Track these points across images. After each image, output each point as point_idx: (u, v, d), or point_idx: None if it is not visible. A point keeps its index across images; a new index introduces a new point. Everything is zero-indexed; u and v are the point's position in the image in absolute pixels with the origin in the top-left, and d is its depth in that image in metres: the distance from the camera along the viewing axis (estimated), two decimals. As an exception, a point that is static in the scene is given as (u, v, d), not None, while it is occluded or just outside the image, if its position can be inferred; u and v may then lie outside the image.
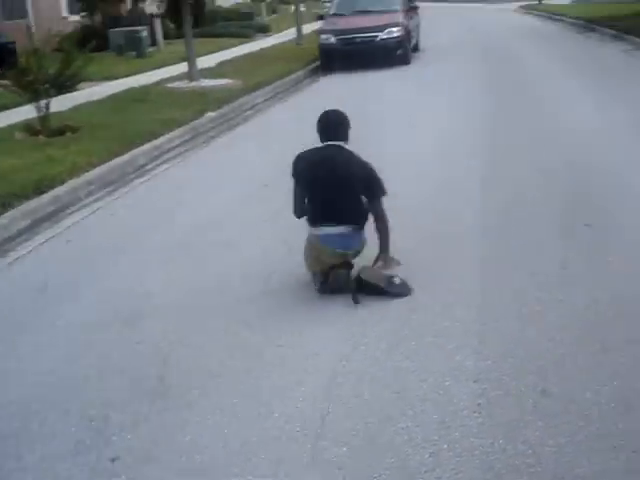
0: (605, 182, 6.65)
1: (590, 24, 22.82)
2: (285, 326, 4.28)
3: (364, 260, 4.71)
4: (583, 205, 6.07)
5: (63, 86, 9.82)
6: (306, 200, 4.75)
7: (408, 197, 6.24)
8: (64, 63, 9.59)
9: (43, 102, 9.47)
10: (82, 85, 11.83)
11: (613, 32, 19.68)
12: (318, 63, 17.60)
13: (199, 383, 3.70)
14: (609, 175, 6.84)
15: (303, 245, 4.78)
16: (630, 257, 4.98)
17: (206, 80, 14.55)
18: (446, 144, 8.61)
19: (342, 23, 17.11)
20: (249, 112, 12.43)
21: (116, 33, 21.63)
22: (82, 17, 24.07)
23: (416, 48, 19.15)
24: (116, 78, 15.90)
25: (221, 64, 17.87)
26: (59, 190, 7.33)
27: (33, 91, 9.39)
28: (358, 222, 4.65)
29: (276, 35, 29.40)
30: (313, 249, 4.69)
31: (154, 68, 17.69)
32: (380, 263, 4.74)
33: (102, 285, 5.20)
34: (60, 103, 10.40)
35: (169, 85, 14.45)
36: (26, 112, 10.25)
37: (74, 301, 4.96)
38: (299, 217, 4.82)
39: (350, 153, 4.65)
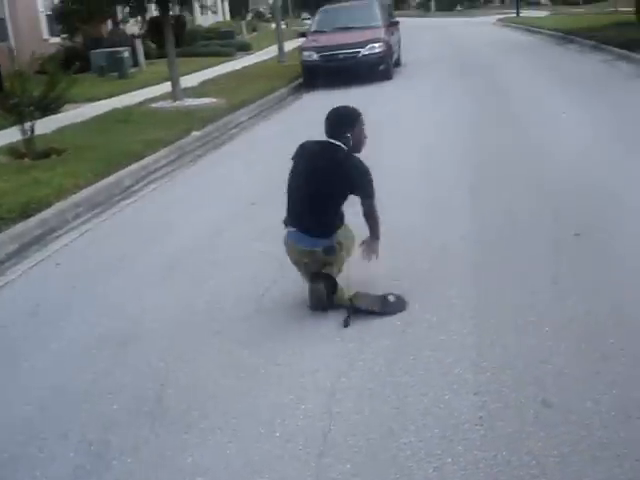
0: (593, 192, 6.68)
1: (569, 35, 23.07)
2: (281, 345, 4.26)
3: (356, 281, 4.71)
4: (573, 216, 6.09)
5: (48, 108, 9.80)
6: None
7: (397, 212, 6.25)
8: (49, 85, 9.58)
9: (28, 125, 9.43)
10: (66, 107, 11.78)
11: (592, 43, 19.89)
12: (301, 80, 17.68)
13: (198, 404, 3.68)
14: (598, 186, 6.87)
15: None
16: (623, 266, 5.00)
17: (190, 99, 14.57)
18: (433, 158, 8.65)
19: (324, 40, 17.22)
20: (234, 130, 12.45)
21: (98, 54, 21.66)
22: (63, 39, 24.07)
23: (398, 63, 19.30)
24: (99, 99, 15.90)
25: (204, 83, 17.92)
26: (46, 213, 7.29)
27: (17, 114, 9.36)
28: (325, 230, 4.60)
29: (257, 53, 29.53)
30: (285, 245, 4.75)
31: (137, 88, 17.72)
32: (364, 246, 4.74)
33: (94, 307, 5.17)
34: (44, 125, 10.37)
35: (153, 105, 14.45)
36: (10, 135, 10.22)
37: (67, 324, 4.92)
38: None
39: (343, 153, 4.59)
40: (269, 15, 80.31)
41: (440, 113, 11.75)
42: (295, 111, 14.30)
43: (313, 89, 16.64)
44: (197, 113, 12.95)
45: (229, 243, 6.29)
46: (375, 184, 4.67)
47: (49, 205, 7.47)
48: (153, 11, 20.41)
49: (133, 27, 26.57)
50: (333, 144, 4.61)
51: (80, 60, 15.26)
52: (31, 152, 9.55)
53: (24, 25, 22.71)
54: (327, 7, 20.44)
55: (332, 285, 4.63)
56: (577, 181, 7.07)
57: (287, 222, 4.76)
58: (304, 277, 4.76)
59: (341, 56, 16.62)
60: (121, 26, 25.55)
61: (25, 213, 7.15)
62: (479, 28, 35.64)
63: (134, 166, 9.23)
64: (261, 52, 29.77)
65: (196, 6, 18.17)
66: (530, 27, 30.24)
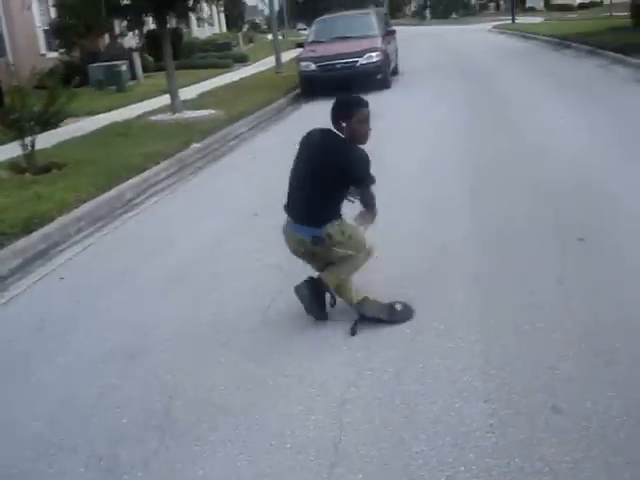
0: (594, 196, 6.69)
1: (565, 41, 23.14)
2: (288, 356, 4.25)
3: (360, 286, 4.71)
4: (575, 220, 6.09)
5: (48, 123, 9.81)
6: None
7: (398, 218, 6.28)
8: (49, 100, 9.59)
9: (28, 140, 9.44)
10: (65, 121, 11.82)
11: (588, 48, 19.95)
12: (299, 90, 17.71)
13: (207, 416, 3.66)
14: (597, 189, 6.89)
15: (299, 273, 4.79)
16: (625, 267, 5.00)
17: (189, 112, 14.59)
18: (433, 164, 8.67)
19: (321, 50, 17.26)
20: (234, 142, 12.46)
21: (95, 68, 21.71)
22: (60, 54, 24.13)
23: (395, 72, 19.34)
24: (98, 113, 15.91)
25: (202, 95, 17.95)
26: (49, 228, 7.28)
27: (18, 129, 9.37)
28: (315, 219, 4.52)
29: (255, 64, 29.60)
30: (284, 233, 4.72)
31: (135, 102, 17.74)
32: (357, 218, 4.70)
33: (99, 321, 5.16)
34: (44, 140, 10.38)
35: (152, 118, 14.47)
36: (10, 150, 10.23)
37: (72, 338, 4.91)
38: None
39: (339, 140, 4.49)
40: (265, 26, 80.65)
41: (439, 120, 11.77)
42: (294, 122, 14.31)
43: (312, 99, 16.66)
44: (196, 125, 12.97)
45: (232, 255, 6.29)
46: (376, 187, 4.65)
47: (51, 220, 7.46)
48: (150, 24, 20.48)
49: (130, 40, 26.71)
50: (331, 132, 4.53)
51: (78, 74, 15.32)
52: (32, 167, 9.55)
53: (22, 40, 22.78)
54: (324, 17, 20.48)
55: (317, 292, 4.61)
56: (576, 184, 7.10)
57: (285, 210, 4.72)
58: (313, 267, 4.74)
59: (339, 66, 16.65)
60: (118, 40, 25.68)
61: (28, 228, 7.14)
62: (475, 35, 35.76)
63: (135, 179, 9.23)
64: (258, 63, 29.85)
65: (193, 18, 18.24)
66: (526, 33, 30.37)
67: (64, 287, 6.06)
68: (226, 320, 4.88)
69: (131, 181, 9.14)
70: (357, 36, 17.46)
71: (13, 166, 9.82)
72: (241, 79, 22.16)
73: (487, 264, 5.32)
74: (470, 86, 15.76)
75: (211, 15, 40.18)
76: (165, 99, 15.70)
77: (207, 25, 36.62)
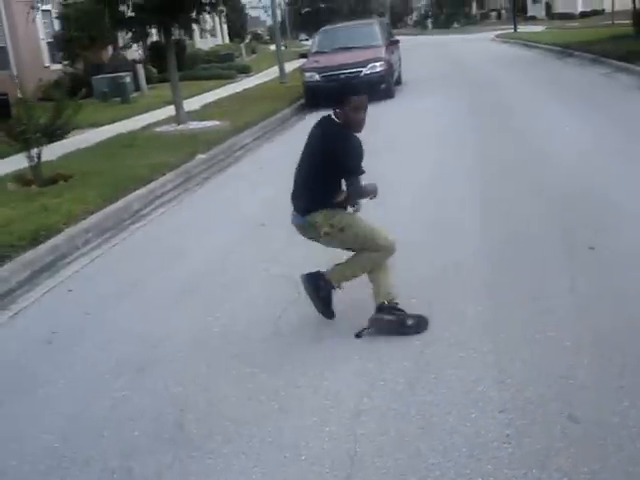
0: (602, 204, 6.67)
1: (567, 49, 23.15)
2: (300, 367, 4.22)
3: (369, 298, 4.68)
4: (584, 228, 6.07)
5: (54, 135, 9.82)
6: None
7: (408, 226, 6.27)
8: (55, 112, 9.60)
9: (34, 151, 9.44)
10: (70, 133, 11.82)
11: (591, 56, 19.95)
12: (303, 101, 17.72)
13: (219, 429, 3.64)
14: (604, 197, 6.87)
15: None
16: (633, 277, 4.97)
17: (193, 123, 14.61)
18: (439, 173, 8.66)
19: (325, 60, 17.28)
20: (239, 152, 12.46)
21: (99, 80, 21.76)
22: (64, 66, 24.20)
23: (399, 81, 19.35)
24: (103, 125, 15.95)
25: (206, 106, 17.99)
26: (56, 239, 7.27)
27: (24, 141, 9.37)
28: (305, 205, 4.55)
29: (258, 75, 29.67)
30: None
31: (140, 113, 17.77)
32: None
33: (109, 333, 5.14)
34: (50, 152, 10.38)
35: (157, 129, 14.49)
36: (16, 162, 10.24)
37: (82, 350, 4.89)
38: None
39: (331, 126, 4.47)
40: (267, 37, 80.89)
41: (444, 129, 11.77)
42: (299, 132, 14.28)
43: (316, 109, 16.63)
44: (201, 136, 12.98)
45: (241, 265, 6.27)
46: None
47: (59, 231, 7.45)
48: (154, 36, 20.54)
49: (134, 52, 26.78)
50: (330, 118, 4.51)
51: (82, 86, 15.38)
52: (38, 179, 9.56)
53: (25, 53, 22.86)
54: (327, 28, 20.51)
55: (316, 287, 4.65)
56: (583, 191, 7.09)
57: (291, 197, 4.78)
58: None
59: (342, 76, 16.61)
60: (122, 51, 25.74)
61: (35, 240, 7.13)
62: (478, 44, 35.79)
63: (141, 190, 9.23)
64: (261, 74, 29.91)
65: (195, 30, 18.28)
66: (528, 42, 30.38)
67: (72, 299, 6.05)
68: (237, 331, 4.86)
69: (137, 192, 9.13)
70: (361, 46, 17.47)
71: (19, 178, 9.83)
72: (245, 90, 22.20)
73: (497, 275, 5.30)
74: (474, 95, 15.77)
75: (214, 26, 40.36)
76: (169, 110, 15.73)
77: (210, 36, 36.75)
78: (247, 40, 55.57)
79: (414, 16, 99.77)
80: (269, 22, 70.41)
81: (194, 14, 14.70)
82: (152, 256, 6.94)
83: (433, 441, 3.30)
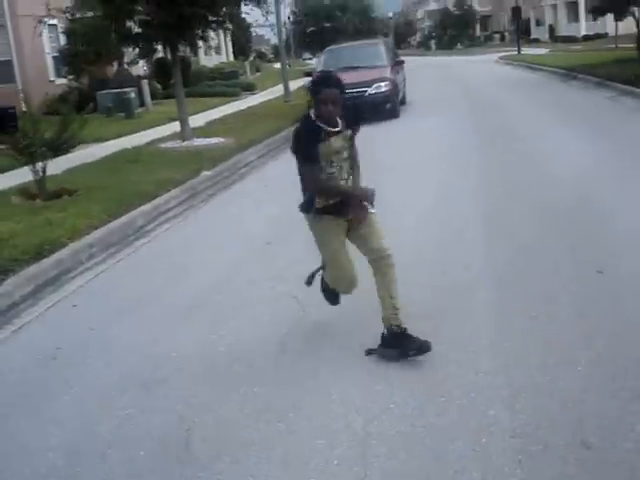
0: (609, 226, 6.64)
1: (572, 72, 23.22)
2: (307, 388, 4.18)
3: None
4: (592, 251, 6.04)
5: (60, 149, 9.80)
6: None
7: (412, 249, 6.24)
8: (62, 126, 9.59)
9: (39, 165, 9.43)
10: (76, 147, 11.81)
11: (596, 79, 19.99)
12: (307, 119, 17.71)
13: (227, 449, 3.59)
14: (612, 219, 6.84)
15: (315, 301, 4.85)
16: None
17: (198, 139, 14.62)
18: (444, 194, 8.64)
19: (330, 79, 17.27)
20: (244, 169, 12.46)
21: (104, 95, 21.82)
22: (69, 80, 24.26)
23: (403, 101, 19.38)
24: (108, 140, 15.96)
25: (211, 123, 18.02)
26: (60, 254, 7.24)
27: (29, 154, 9.36)
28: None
29: (262, 93, 29.77)
30: None
31: (144, 129, 17.80)
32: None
33: (114, 350, 5.09)
34: (55, 166, 10.35)
35: (162, 145, 14.50)
36: (21, 175, 10.24)
37: (87, 367, 4.85)
38: None
39: (304, 118, 4.56)
40: (271, 55, 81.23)
41: (449, 149, 11.77)
42: (303, 150, 14.30)
43: (320, 128, 16.68)
44: (206, 153, 12.98)
45: (247, 283, 6.22)
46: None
47: (63, 246, 7.41)
48: (159, 52, 20.62)
49: (138, 68, 26.87)
50: (307, 113, 4.59)
51: (87, 101, 15.40)
52: (43, 193, 9.55)
53: (31, 66, 22.92)
54: (333, 47, 20.57)
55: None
56: (588, 214, 7.07)
57: None
58: None
59: (347, 95, 16.53)
60: (126, 66, 25.83)
61: (39, 254, 7.10)
62: (482, 66, 35.94)
63: (146, 206, 9.20)
64: (266, 92, 30.01)
65: (201, 47, 18.30)
66: (532, 64, 30.48)
67: (77, 314, 6.01)
68: (243, 349, 4.81)
69: (142, 208, 9.11)
70: (366, 66, 17.52)
71: (24, 192, 9.82)
72: (249, 107, 22.26)
73: (505, 297, 5.26)
74: (478, 116, 15.80)
75: (219, 44, 40.52)
76: (174, 126, 15.76)
77: (214, 54, 36.87)
78: (251, 58, 55.80)
79: (418, 37, 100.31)
80: (273, 40, 70.81)
81: (200, 31, 14.77)
82: (157, 272, 6.90)
83: (444, 466, 3.26)
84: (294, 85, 26.61)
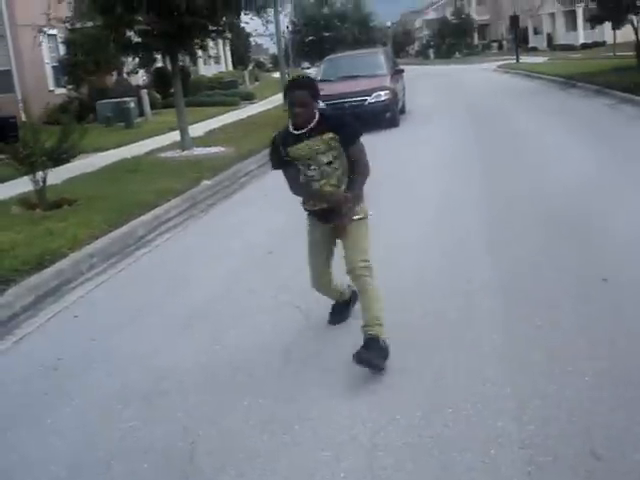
0: (613, 235, 6.60)
1: (570, 80, 23.24)
2: (312, 398, 4.13)
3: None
4: (596, 260, 6.00)
5: (60, 159, 9.77)
6: None
7: (414, 256, 6.21)
8: (62, 136, 9.57)
9: (40, 175, 9.40)
10: (76, 157, 11.79)
11: (595, 87, 20.00)
12: (307, 128, 17.69)
13: (232, 462, 3.54)
14: (616, 227, 6.80)
15: (318, 311, 4.87)
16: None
17: (198, 149, 14.60)
18: (447, 204, 8.60)
19: (330, 89, 17.19)
20: (244, 179, 12.44)
21: (104, 105, 21.82)
22: (68, 90, 24.26)
23: (402, 110, 19.36)
24: (107, 149, 15.94)
25: (211, 132, 18.01)
26: (61, 264, 7.20)
27: (30, 164, 9.33)
28: None
29: (261, 102, 29.79)
30: None
31: (144, 138, 17.79)
32: None
33: (115, 361, 5.05)
34: (54, 176, 10.31)
35: (161, 155, 14.48)
36: (21, 185, 10.21)
37: (89, 378, 4.81)
38: None
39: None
40: (270, 65, 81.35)
41: (449, 159, 11.74)
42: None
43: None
44: (206, 162, 12.96)
45: (248, 293, 6.17)
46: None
47: (63, 256, 7.38)
48: (158, 62, 20.64)
49: (138, 78, 26.89)
50: None
51: (86, 110, 15.41)
52: (43, 203, 9.51)
53: (30, 76, 22.92)
54: (332, 56, 20.59)
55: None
56: (592, 223, 7.03)
57: None
58: None
59: (347, 104, 16.63)
60: (125, 76, 25.84)
61: (40, 264, 7.06)
62: (480, 75, 35.98)
63: (146, 216, 9.17)
64: (265, 101, 30.02)
65: (200, 56, 18.30)
66: (531, 73, 30.50)
67: (78, 325, 5.97)
68: (246, 359, 4.77)
69: (142, 218, 9.07)
70: (366, 75, 17.51)
71: (24, 201, 9.79)
72: (249, 117, 22.26)
73: (510, 306, 5.20)
74: (478, 125, 15.78)
75: (217, 53, 40.53)
76: (173, 136, 15.74)
77: (213, 63, 36.83)
78: (250, 67, 55.87)
79: (416, 46, 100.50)
80: (272, 50, 70.92)
81: (200, 40, 14.77)
82: (159, 282, 6.86)
83: (452, 478, 3.21)
84: (293, 94, 26.57)
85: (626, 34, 28.40)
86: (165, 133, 17.88)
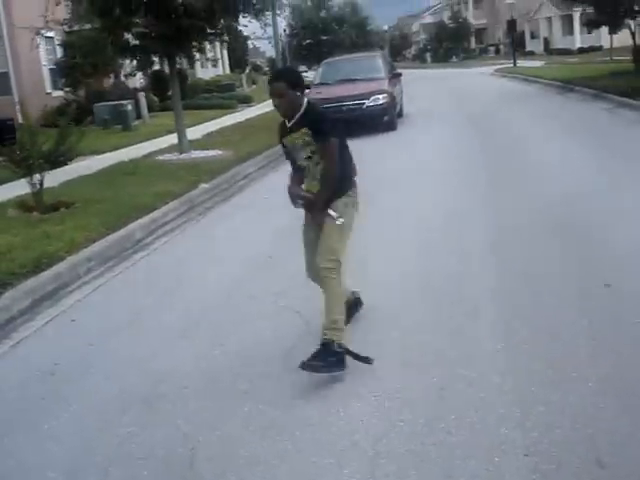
0: (616, 240, 6.57)
1: (568, 84, 23.24)
2: (314, 404, 4.09)
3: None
4: (600, 265, 5.97)
5: (57, 161, 9.72)
6: None
7: (418, 262, 6.15)
8: (60, 138, 9.52)
9: (37, 178, 9.34)
10: (72, 160, 11.73)
11: (593, 91, 20.00)
12: (305, 131, 17.67)
13: (233, 468, 3.50)
14: (618, 233, 6.77)
15: (318, 316, 4.72)
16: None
17: (196, 152, 14.55)
18: (446, 210, 8.55)
19: (328, 92, 17.22)
20: (242, 182, 12.40)
21: (101, 107, 21.77)
22: (66, 92, 24.20)
23: (400, 114, 19.35)
24: (105, 152, 15.89)
25: (208, 135, 17.97)
26: (59, 267, 7.15)
27: (27, 167, 9.27)
28: None
29: (259, 105, 29.76)
30: None
31: (142, 141, 17.75)
32: None
33: (113, 365, 5.00)
34: (52, 178, 10.26)
35: (159, 157, 14.43)
36: (18, 187, 10.16)
37: (86, 382, 4.76)
38: None
39: None
40: (267, 68, 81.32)
41: (447, 161, 11.72)
42: (301, 162, 14.24)
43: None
44: (204, 165, 12.92)
45: (248, 297, 6.12)
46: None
47: (61, 259, 7.32)
48: (156, 64, 20.61)
49: (135, 80, 26.82)
50: None
51: (84, 113, 15.36)
52: (40, 205, 9.45)
53: (27, 79, 22.84)
54: (330, 60, 20.56)
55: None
56: (596, 229, 6.98)
57: None
58: None
59: (345, 108, 16.58)
60: (123, 79, 25.80)
61: (37, 268, 7.01)
62: (477, 79, 36.01)
63: (144, 219, 9.12)
64: (263, 104, 29.91)
65: (198, 59, 18.29)
66: (528, 77, 30.51)
67: (75, 329, 5.92)
68: (245, 365, 4.72)
69: (140, 221, 9.02)
70: (364, 78, 17.48)
71: (21, 204, 9.73)
72: (247, 120, 22.23)
73: (514, 313, 5.15)
74: (475, 129, 15.77)
75: (215, 56, 40.52)
76: (171, 139, 15.69)
77: (211, 66, 36.82)
78: (248, 70, 55.88)
79: (413, 50, 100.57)
80: (269, 53, 70.90)
81: (198, 43, 14.73)
82: (157, 286, 6.82)
83: (456, 486, 3.17)
84: (291, 97, 26.56)
85: (623, 39, 28.47)
86: (163, 136, 17.83)
